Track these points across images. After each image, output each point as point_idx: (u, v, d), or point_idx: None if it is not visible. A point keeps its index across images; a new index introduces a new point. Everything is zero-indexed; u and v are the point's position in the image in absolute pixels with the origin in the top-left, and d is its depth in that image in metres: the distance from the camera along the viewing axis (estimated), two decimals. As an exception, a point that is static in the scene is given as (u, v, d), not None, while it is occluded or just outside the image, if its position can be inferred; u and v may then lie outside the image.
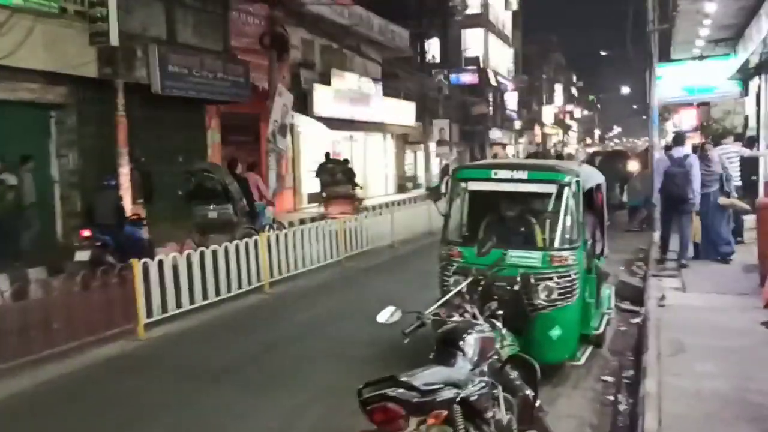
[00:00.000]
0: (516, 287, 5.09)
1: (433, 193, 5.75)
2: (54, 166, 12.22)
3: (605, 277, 6.53)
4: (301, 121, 20.31)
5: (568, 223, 5.32)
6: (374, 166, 26.64)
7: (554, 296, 5.21)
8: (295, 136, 20.62)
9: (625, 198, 17.07)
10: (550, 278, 5.20)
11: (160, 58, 13.11)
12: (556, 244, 5.35)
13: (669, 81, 13.19)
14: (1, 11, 10.21)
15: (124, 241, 10.42)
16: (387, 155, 28.13)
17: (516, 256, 5.28)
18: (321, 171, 18.62)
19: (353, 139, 24.71)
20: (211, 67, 14.67)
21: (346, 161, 19.56)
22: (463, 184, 5.76)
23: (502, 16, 45.34)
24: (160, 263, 7.79)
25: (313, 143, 21.38)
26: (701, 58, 16.95)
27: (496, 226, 5.66)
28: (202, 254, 8.51)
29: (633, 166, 19.64)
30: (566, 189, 5.33)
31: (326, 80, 22.08)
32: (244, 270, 9.19)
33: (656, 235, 11.80)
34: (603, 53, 42.74)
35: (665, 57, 16.72)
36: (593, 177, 6.20)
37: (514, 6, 46.89)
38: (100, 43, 11.14)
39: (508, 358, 3.89)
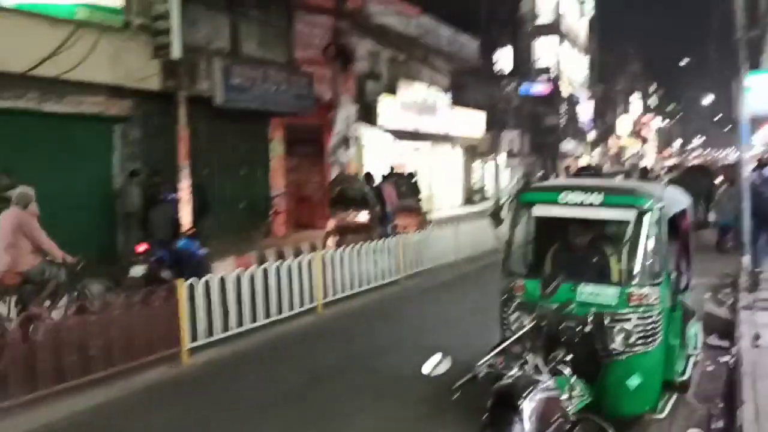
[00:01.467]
0: (587, 329, 4.42)
1: (494, 218, 5.01)
2: (116, 180, 12.24)
3: (692, 314, 5.77)
4: (365, 132, 20.00)
5: (650, 255, 4.63)
6: (441, 177, 26.05)
7: (633, 340, 4.52)
8: (359, 147, 20.31)
9: (712, 217, 15.81)
10: (628, 319, 4.53)
11: (223, 70, 13.01)
12: (636, 279, 4.64)
13: (760, 92, 12.08)
14: (66, 25, 10.27)
15: (181, 256, 10.29)
16: (455, 166, 27.51)
17: (588, 292, 4.64)
18: (383, 184, 18.17)
19: (419, 150, 24.23)
20: (274, 79, 14.51)
21: (411, 175, 19.07)
22: (527, 209, 5.14)
23: (576, 25, 44.04)
24: (207, 283, 7.46)
25: (378, 154, 21.00)
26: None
27: (566, 256, 5.03)
28: (252, 275, 8.16)
29: (718, 180, 18.34)
30: (648, 216, 4.64)
31: (392, 91, 21.72)
32: (297, 289, 8.81)
33: (745, 260, 10.78)
34: (684, 62, 40.80)
35: (754, 66, 15.49)
36: (679, 200, 5.49)
37: (589, 14, 45.46)
38: (163, 56, 11.05)
39: (578, 420, 3.28)
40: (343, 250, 10.22)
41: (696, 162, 43.51)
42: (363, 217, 13.33)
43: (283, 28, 15.40)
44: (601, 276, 4.84)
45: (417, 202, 18.15)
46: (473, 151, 28.93)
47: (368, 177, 15.12)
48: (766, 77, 12.28)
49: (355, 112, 16.17)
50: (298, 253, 13.28)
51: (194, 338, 7.13)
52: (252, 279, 8.11)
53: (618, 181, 6.52)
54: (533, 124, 36.21)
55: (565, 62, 40.76)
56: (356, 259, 10.34)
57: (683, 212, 5.51)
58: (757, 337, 6.68)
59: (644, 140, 72.14)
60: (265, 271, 8.33)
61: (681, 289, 5.40)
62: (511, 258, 5.14)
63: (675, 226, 5.33)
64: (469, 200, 28.39)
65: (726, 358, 6.75)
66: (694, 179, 16.62)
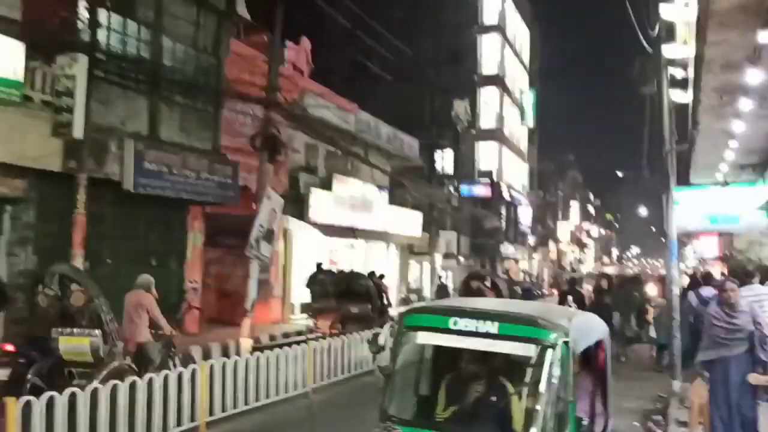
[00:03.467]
0: None
1: (372, 345, 4.21)
2: (1, 266, 11.01)
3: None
4: (295, 226, 19.26)
5: (551, 402, 3.85)
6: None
7: None
8: (288, 241, 19.51)
9: (652, 332, 15.23)
10: None
11: (136, 153, 12.19)
12: (535, 430, 3.85)
13: (689, 207, 11.99)
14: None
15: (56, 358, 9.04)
16: (390, 265, 26.82)
17: None
18: (312, 282, 17.33)
19: (353, 247, 23.53)
20: (194, 165, 13.75)
21: (340, 272, 18.28)
22: (412, 334, 4.31)
23: (518, 132, 45.27)
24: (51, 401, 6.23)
25: (307, 250, 20.20)
26: (725, 183, 15.76)
27: (459, 394, 4.21)
28: (114, 388, 6.94)
29: (651, 290, 17.96)
30: (551, 352, 3.90)
31: (329, 185, 21.23)
32: (173, 407, 7.61)
33: (677, 384, 10.17)
34: (620, 174, 42.19)
35: (684, 180, 15.57)
36: (591, 330, 4.75)
37: (530, 123, 46.91)
38: (64, 135, 10.26)
39: None
40: (235, 362, 9.16)
41: (630, 272, 44.06)
42: (365, 309, 15.68)
43: (209, 114, 14.79)
44: (500, 422, 4.02)
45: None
46: (410, 250, 28.42)
47: (372, 273, 17.71)
48: (691, 193, 12.15)
49: (281, 204, 15.40)
50: (207, 356, 12.13)
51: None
52: (114, 393, 6.89)
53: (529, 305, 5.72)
54: (474, 226, 36.23)
55: (506, 167, 41.50)
56: (254, 369, 9.27)
57: (598, 344, 4.79)
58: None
59: (583, 247, 73.61)
60: (133, 384, 7.16)
61: (596, 437, 4.62)
62: (390, 397, 4.24)
63: (588, 359, 4.60)
64: (405, 300, 27.58)
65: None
66: (627, 290, 16.25)
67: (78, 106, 10.06)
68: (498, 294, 12.51)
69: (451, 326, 4.06)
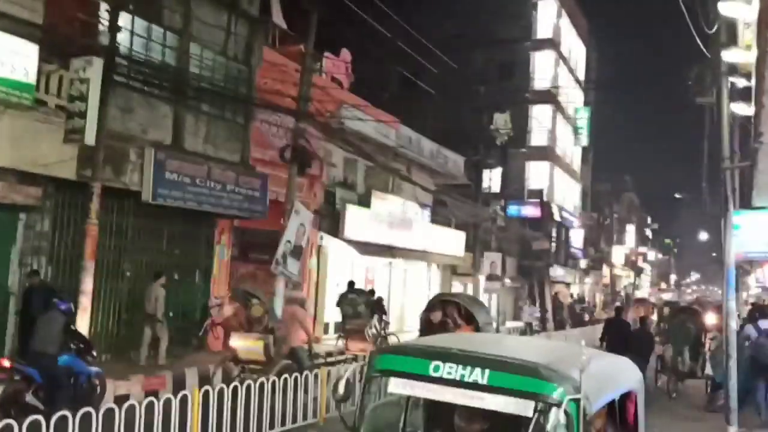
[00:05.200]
0: None
1: (335, 390, 3.45)
2: (13, 276, 10.64)
3: None
4: (329, 243, 18.60)
5: None
6: (415, 296, 24.36)
7: None
8: (322, 258, 18.86)
9: (708, 370, 13.80)
10: None
11: (156, 162, 11.76)
12: None
13: (751, 231, 10.75)
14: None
15: (57, 377, 8.55)
16: (431, 286, 25.89)
17: None
18: (342, 301, 16.62)
19: (392, 266, 22.73)
20: (220, 177, 13.27)
21: (371, 292, 17.52)
22: (382, 381, 3.50)
23: (571, 151, 43.79)
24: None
25: (342, 268, 19.51)
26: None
27: None
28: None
29: (711, 320, 16.46)
30: (554, 413, 3.02)
31: (367, 202, 20.54)
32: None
33: (732, 430, 8.99)
34: (678, 196, 40.04)
35: (746, 203, 14.20)
36: (615, 380, 3.81)
37: (584, 142, 45.34)
38: (76, 141, 9.85)
39: None
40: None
41: (688, 298, 41.79)
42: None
43: (238, 124, 14.30)
44: None
45: (376, 322, 16.53)
46: (453, 271, 27.43)
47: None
48: (754, 216, 10.92)
49: (310, 219, 14.78)
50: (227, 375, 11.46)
51: None
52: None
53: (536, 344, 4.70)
54: (522, 247, 34.93)
55: (557, 186, 40.10)
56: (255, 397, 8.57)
57: (627, 397, 3.85)
58: None
59: (639, 272, 70.86)
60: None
61: None
62: None
63: (613, 416, 3.69)
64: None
65: None
66: (680, 322, 14.96)
67: (91, 111, 9.64)
68: (476, 329, 10.08)
69: (431, 372, 3.24)
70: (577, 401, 3.05)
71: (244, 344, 10.61)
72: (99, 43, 10.34)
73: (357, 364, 8.77)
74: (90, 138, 9.68)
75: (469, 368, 3.18)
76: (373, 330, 16.14)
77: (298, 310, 11.49)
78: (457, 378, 3.18)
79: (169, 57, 12.54)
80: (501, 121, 23.68)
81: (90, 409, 6.46)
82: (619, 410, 3.80)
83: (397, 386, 3.39)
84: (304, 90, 14.20)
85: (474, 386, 3.16)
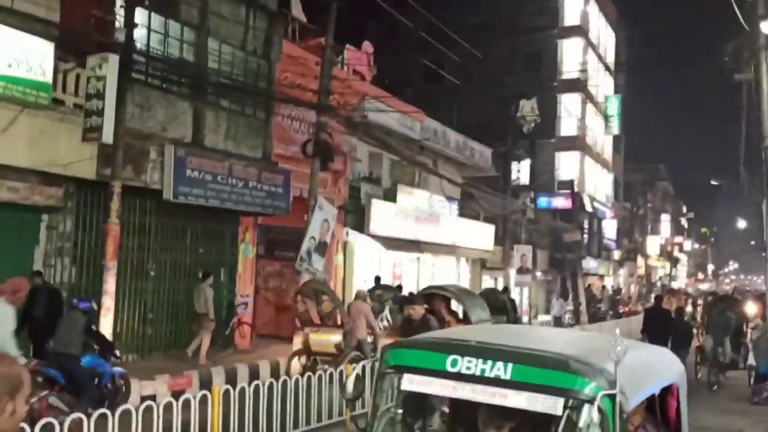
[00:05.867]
0: None
1: (343, 389, 3.21)
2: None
3: None
4: (355, 238, 18.37)
5: None
6: (445, 292, 24.05)
7: None
8: (348, 254, 18.64)
9: (750, 360, 13.27)
10: None
11: (176, 160, 11.63)
12: None
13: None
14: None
15: (79, 378, 8.43)
16: (460, 281, 25.49)
17: None
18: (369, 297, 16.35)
19: (420, 261, 22.42)
20: (242, 174, 13.09)
21: (399, 287, 17.24)
22: (395, 378, 3.19)
23: (601, 141, 42.90)
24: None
25: (369, 263, 19.26)
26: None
27: None
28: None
29: (751, 309, 15.87)
30: (586, 410, 2.71)
31: (392, 196, 20.26)
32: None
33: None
34: (714, 183, 38.85)
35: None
36: (655, 372, 3.46)
37: (615, 130, 44.39)
38: (93, 139, 9.74)
39: None
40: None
41: (727, 288, 40.67)
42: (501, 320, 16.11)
43: (259, 120, 14.12)
44: None
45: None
46: (482, 265, 27.01)
47: (505, 290, 19.76)
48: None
49: (334, 215, 14.57)
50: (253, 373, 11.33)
51: None
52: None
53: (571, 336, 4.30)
54: (553, 239, 34.32)
55: (588, 177, 39.31)
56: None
57: (668, 391, 3.52)
58: None
59: (676, 262, 69.40)
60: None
61: None
62: None
63: (653, 412, 3.35)
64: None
65: None
66: (720, 311, 14.41)
67: (108, 109, 9.51)
68: (466, 323, 9.33)
69: (448, 367, 2.93)
70: (612, 397, 2.71)
71: (316, 338, 11.40)
72: (115, 40, 10.20)
73: (369, 360, 8.57)
74: (108, 136, 9.57)
75: (490, 362, 2.86)
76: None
77: (363, 305, 12.09)
78: (477, 373, 2.87)
79: (187, 53, 12.40)
80: (528, 108, 23.18)
81: (129, 406, 6.46)
82: (660, 405, 3.46)
83: (411, 383, 3.07)
84: (325, 83, 13.98)
85: (496, 382, 2.84)
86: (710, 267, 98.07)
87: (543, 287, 33.35)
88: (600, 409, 2.69)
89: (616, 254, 45.66)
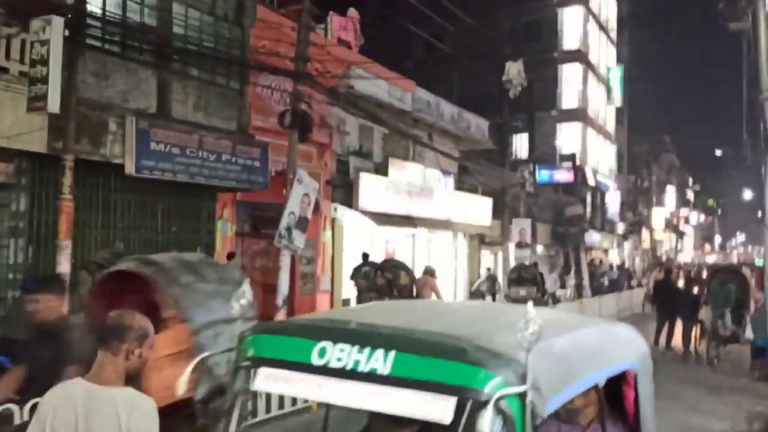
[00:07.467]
0: None
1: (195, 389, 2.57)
2: (-13, 259, 9.96)
3: None
4: (344, 214, 17.66)
5: None
6: (441, 268, 23.32)
7: None
8: (337, 231, 17.94)
9: (748, 333, 12.65)
10: None
11: (138, 132, 10.89)
12: None
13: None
14: None
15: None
16: (457, 257, 24.81)
17: None
18: (356, 275, 15.67)
19: (415, 237, 21.70)
20: (214, 147, 12.36)
21: (385, 262, 16.52)
22: (248, 374, 2.37)
23: (604, 112, 41.88)
24: None
25: (359, 240, 18.56)
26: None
27: None
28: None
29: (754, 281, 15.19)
30: (487, 413, 1.93)
31: (384, 170, 19.50)
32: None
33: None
34: (718, 153, 37.74)
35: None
36: (590, 361, 2.54)
37: (618, 102, 43.31)
38: (38, 108, 8.99)
39: None
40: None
41: (720, 264, 39.76)
42: (531, 291, 18.66)
43: (233, 90, 13.34)
44: None
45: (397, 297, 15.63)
46: (481, 240, 26.27)
47: (535, 265, 21.68)
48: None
49: (315, 188, 13.80)
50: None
51: None
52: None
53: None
54: (555, 213, 33.56)
55: (590, 149, 38.38)
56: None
57: (621, 379, 2.76)
58: None
59: (681, 235, 68.50)
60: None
61: None
62: None
63: (603, 402, 2.63)
64: (474, 294, 25.50)
65: None
66: (721, 283, 13.67)
67: (53, 77, 8.73)
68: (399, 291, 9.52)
69: (314, 359, 2.19)
70: (521, 396, 1.97)
71: None
72: (63, 2, 9.43)
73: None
74: (54, 106, 8.80)
75: (367, 350, 2.12)
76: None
77: (429, 279, 13.13)
78: (349, 366, 2.13)
79: (149, 18, 11.60)
80: (514, 70, 22.18)
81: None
82: (613, 395, 2.73)
83: (266, 381, 2.28)
84: (302, 49, 13.16)
85: (371, 378, 2.09)
86: (717, 239, 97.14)
87: (546, 262, 32.62)
88: (502, 413, 1.96)
89: (620, 228, 44.83)
